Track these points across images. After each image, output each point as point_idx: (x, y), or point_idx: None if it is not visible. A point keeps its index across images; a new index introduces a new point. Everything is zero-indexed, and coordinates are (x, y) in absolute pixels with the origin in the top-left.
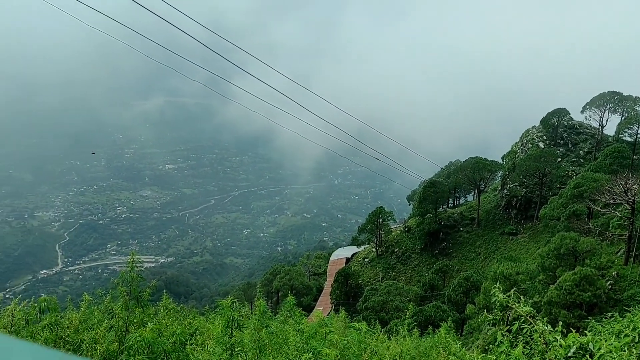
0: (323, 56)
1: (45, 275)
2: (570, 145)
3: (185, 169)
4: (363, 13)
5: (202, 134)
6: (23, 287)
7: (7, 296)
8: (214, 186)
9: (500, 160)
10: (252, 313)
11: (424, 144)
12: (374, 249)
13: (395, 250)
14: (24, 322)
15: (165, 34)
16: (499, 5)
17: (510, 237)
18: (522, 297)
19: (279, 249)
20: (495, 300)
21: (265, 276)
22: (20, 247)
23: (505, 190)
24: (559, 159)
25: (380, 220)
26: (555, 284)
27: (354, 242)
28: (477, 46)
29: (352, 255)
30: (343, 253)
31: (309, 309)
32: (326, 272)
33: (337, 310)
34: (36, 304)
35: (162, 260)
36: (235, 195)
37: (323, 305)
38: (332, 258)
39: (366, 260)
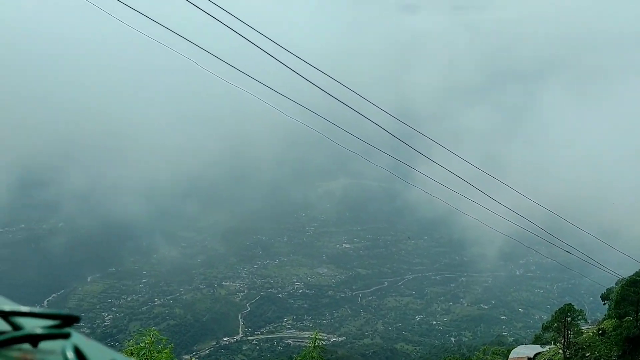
0: (514, 140)
1: (227, 343)
2: None
3: (360, 249)
4: (560, 94)
5: (380, 216)
6: (207, 352)
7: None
8: (388, 268)
9: None
10: None
11: (630, 235)
12: (560, 351)
13: (587, 354)
14: None
15: (354, 120)
16: None
17: None
18: None
19: (452, 339)
20: None
21: None
22: (208, 314)
23: None
24: None
25: (569, 319)
26: None
27: (537, 340)
28: None
29: (535, 355)
30: (524, 351)
31: None
32: None
33: None
34: None
35: (334, 339)
36: (409, 279)
37: None
38: (511, 355)
39: None
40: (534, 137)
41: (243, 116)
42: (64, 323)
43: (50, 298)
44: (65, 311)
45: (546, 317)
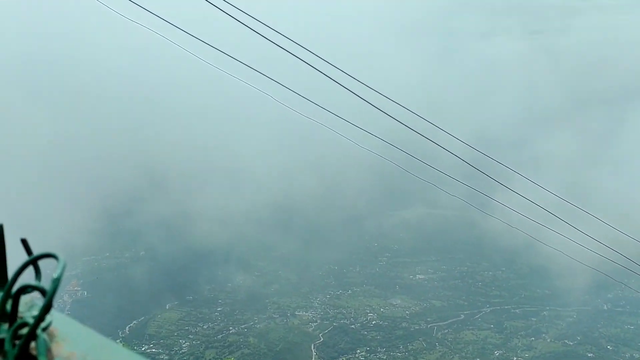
0: (601, 166)
1: None
2: None
3: (435, 280)
4: None
5: (456, 246)
6: None
7: None
8: (464, 300)
9: None
10: None
11: None
12: None
13: None
14: None
15: (432, 150)
16: None
17: None
18: None
19: None
20: None
21: None
22: (281, 343)
23: None
24: None
25: None
26: None
27: None
28: None
29: None
30: None
31: None
32: None
33: None
34: None
35: None
36: (487, 312)
37: None
38: None
39: None
40: (623, 163)
41: (328, 145)
42: None
43: (131, 324)
44: None
45: (638, 356)
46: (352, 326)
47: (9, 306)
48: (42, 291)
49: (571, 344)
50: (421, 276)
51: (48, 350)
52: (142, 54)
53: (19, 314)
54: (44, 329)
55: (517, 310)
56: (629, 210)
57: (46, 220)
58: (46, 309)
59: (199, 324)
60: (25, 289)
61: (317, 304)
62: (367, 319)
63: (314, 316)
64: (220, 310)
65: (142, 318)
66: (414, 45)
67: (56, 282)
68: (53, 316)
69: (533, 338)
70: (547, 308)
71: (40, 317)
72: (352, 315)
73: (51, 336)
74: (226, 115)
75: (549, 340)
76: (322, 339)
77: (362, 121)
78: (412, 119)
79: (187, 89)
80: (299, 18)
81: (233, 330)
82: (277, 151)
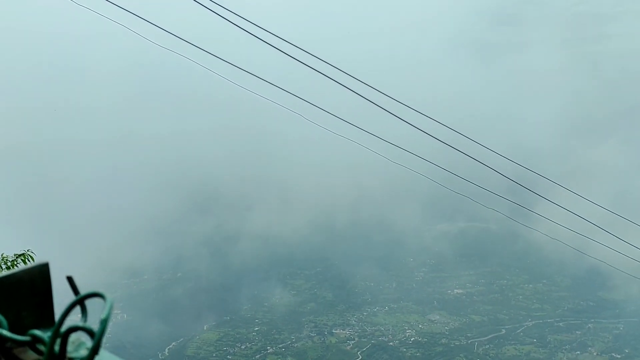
0: None
1: None
2: None
3: (473, 295)
4: None
5: (493, 259)
6: None
7: None
8: (505, 314)
9: None
10: None
11: None
12: None
13: None
14: None
15: (471, 164)
16: None
17: None
18: None
19: None
20: None
21: None
22: None
23: None
24: None
25: None
26: None
27: None
28: None
29: None
30: None
31: None
32: None
33: None
34: None
35: None
36: (529, 326)
37: None
38: None
39: None
40: None
41: (368, 163)
42: None
43: (170, 346)
44: None
45: None
46: (391, 343)
47: (57, 347)
48: (90, 332)
49: (619, 357)
50: (459, 290)
51: None
52: (192, 87)
53: (67, 354)
54: None
55: (560, 324)
56: None
57: (85, 244)
58: (95, 350)
59: (237, 344)
60: (74, 330)
61: (354, 321)
62: (405, 336)
63: (351, 334)
64: (257, 330)
65: (181, 339)
66: (452, 60)
67: (104, 323)
68: (101, 355)
69: (578, 352)
70: (592, 320)
71: (89, 359)
72: (390, 332)
73: None
74: (275, 137)
75: (595, 353)
76: (360, 357)
77: (400, 137)
78: (452, 134)
79: (233, 114)
80: (338, 42)
81: (271, 350)
82: (323, 172)
